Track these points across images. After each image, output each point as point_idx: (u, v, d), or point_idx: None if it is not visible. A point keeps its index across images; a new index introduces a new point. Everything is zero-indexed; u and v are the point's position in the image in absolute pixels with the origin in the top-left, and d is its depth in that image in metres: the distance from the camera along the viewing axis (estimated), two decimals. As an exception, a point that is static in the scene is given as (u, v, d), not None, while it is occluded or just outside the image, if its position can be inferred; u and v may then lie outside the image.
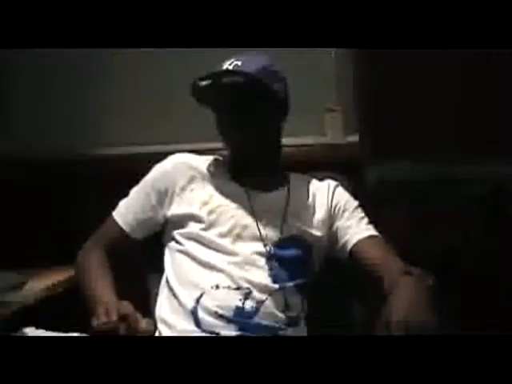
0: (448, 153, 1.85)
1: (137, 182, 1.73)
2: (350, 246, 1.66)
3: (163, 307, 1.60)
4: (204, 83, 1.60)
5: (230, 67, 1.63)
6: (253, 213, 1.64)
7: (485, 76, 1.97)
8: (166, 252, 1.68)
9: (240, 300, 1.54)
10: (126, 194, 1.73)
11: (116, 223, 1.70)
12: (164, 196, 1.68)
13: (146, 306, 1.67)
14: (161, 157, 1.74)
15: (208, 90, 1.61)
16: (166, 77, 2.27)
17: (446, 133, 1.94)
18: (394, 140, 1.95)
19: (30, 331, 1.34)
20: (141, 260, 1.78)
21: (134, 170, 1.72)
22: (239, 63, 1.62)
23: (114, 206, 1.72)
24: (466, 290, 1.72)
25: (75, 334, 1.36)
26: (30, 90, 2.40)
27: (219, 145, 1.71)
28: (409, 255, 1.54)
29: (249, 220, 1.64)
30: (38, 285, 1.90)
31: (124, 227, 1.69)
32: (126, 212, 1.71)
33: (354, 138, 2.14)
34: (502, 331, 1.16)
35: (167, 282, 1.63)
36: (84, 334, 1.36)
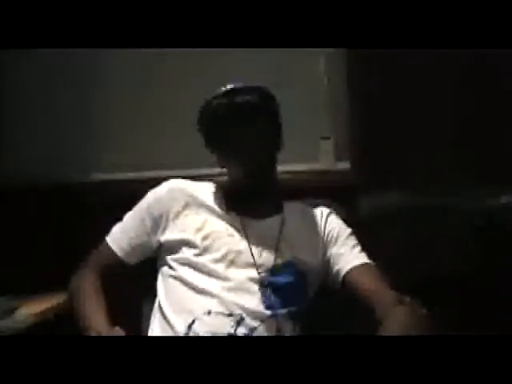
0: (439, 182, 1.86)
1: (130, 207, 1.74)
2: (342, 273, 1.66)
3: (155, 332, 1.60)
4: (216, 102, 1.61)
5: (230, 88, 1.62)
6: (247, 239, 1.65)
7: (485, 107, 1.99)
8: (159, 277, 1.69)
9: (232, 327, 1.53)
10: (119, 219, 1.74)
11: (110, 248, 1.71)
12: (158, 221, 1.69)
13: (140, 331, 1.67)
14: (156, 182, 1.75)
15: (217, 111, 1.61)
16: (166, 101, 2.28)
17: (437, 162, 1.95)
18: (386, 168, 1.96)
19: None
20: (135, 284, 1.78)
21: (128, 195, 1.73)
22: (240, 84, 1.63)
23: (107, 231, 1.72)
24: (460, 323, 1.72)
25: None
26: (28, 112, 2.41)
27: (215, 171, 1.71)
28: (398, 283, 1.54)
29: (243, 246, 1.64)
30: (30, 310, 1.88)
31: (118, 252, 1.70)
32: (120, 237, 1.71)
33: (346, 165, 2.16)
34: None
35: (160, 307, 1.62)
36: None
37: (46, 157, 2.38)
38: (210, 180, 1.78)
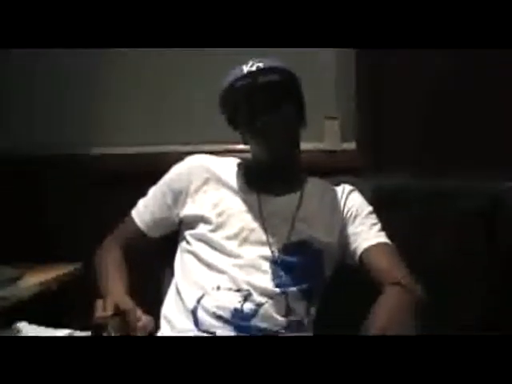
0: (446, 164, 1.81)
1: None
2: (358, 252, 1.64)
3: (168, 305, 1.65)
4: (241, 83, 1.58)
5: (253, 68, 1.60)
6: (261, 217, 1.65)
7: (488, 90, 1.93)
8: (178, 251, 1.72)
9: (239, 302, 1.56)
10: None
11: (133, 221, 1.75)
12: (179, 196, 1.71)
13: (159, 303, 1.71)
14: (179, 157, 1.77)
15: (243, 91, 1.59)
16: (188, 76, 2.28)
17: (444, 144, 1.90)
18: (392, 149, 1.92)
19: (23, 326, 1.40)
20: (158, 258, 1.82)
21: (144, 169, 1.75)
22: (261, 65, 1.60)
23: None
24: (461, 306, 1.67)
25: (67, 331, 1.41)
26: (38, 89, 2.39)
27: (237, 147, 1.71)
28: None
29: (257, 224, 1.65)
30: (33, 280, 1.90)
31: (141, 226, 1.74)
32: (143, 211, 1.75)
33: (351, 146, 2.13)
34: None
35: (175, 280, 1.67)
36: (77, 331, 1.41)
37: (58, 129, 2.36)
38: (231, 155, 1.79)
